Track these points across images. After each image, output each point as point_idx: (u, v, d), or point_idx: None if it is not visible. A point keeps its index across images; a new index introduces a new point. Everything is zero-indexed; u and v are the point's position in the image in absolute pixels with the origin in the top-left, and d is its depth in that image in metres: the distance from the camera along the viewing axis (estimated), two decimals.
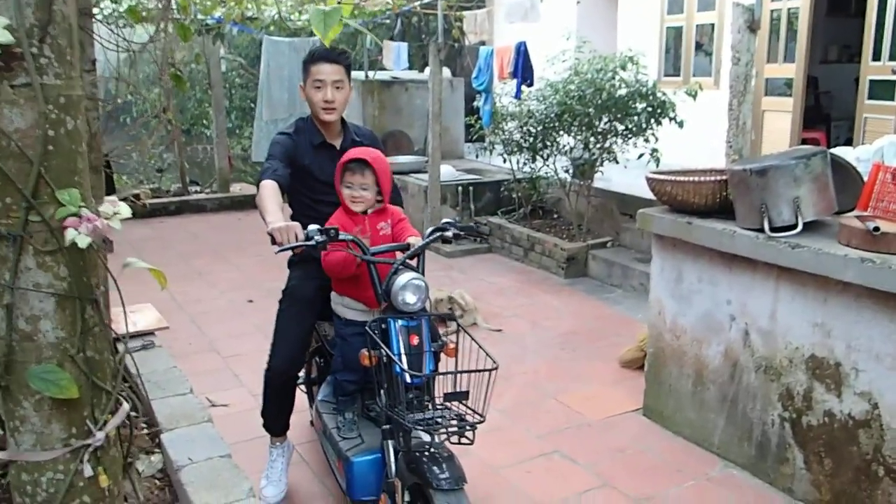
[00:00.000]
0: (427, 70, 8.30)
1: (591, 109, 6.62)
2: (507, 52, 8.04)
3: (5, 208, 1.67)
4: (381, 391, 2.71)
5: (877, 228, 2.93)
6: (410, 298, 2.70)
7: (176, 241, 8.32)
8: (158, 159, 11.81)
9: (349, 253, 2.85)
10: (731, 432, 3.64)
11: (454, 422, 2.52)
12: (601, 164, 7.07)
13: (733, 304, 3.56)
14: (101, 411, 1.89)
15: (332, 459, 3.18)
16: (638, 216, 3.98)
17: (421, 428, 2.52)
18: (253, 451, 3.62)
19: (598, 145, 6.91)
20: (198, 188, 10.57)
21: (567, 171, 7.29)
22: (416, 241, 2.89)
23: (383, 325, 2.70)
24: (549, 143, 7.22)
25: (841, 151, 3.96)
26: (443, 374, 2.60)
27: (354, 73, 9.50)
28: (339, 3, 2.83)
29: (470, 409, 2.53)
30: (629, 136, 6.78)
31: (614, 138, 6.85)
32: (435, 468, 2.49)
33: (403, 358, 2.64)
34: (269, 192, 2.98)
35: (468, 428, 2.49)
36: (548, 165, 7.41)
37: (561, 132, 7.04)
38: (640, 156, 6.78)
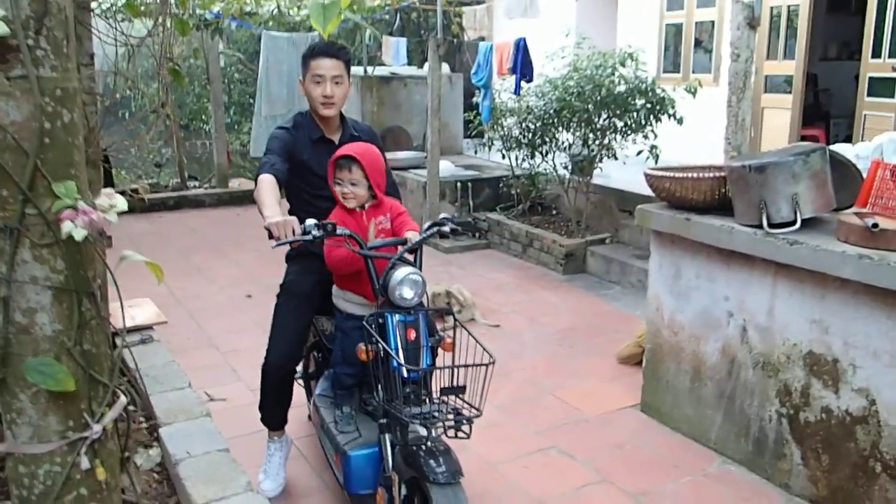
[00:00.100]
0: (426, 66, 8.30)
1: (590, 106, 6.62)
2: (507, 48, 8.05)
3: (1, 201, 1.67)
4: (379, 385, 2.71)
5: (875, 225, 2.93)
6: (408, 293, 2.70)
7: (174, 236, 8.31)
8: (157, 154, 11.81)
9: (346, 249, 2.86)
10: (729, 428, 3.65)
11: (451, 416, 2.52)
12: (600, 161, 7.07)
13: (731, 301, 3.56)
14: (99, 404, 1.89)
15: (329, 453, 3.18)
16: (636, 212, 3.98)
17: (418, 422, 2.52)
18: (251, 446, 3.62)
19: (597, 142, 6.91)
20: (196, 183, 10.57)
21: (566, 168, 7.29)
22: (413, 235, 2.88)
23: (381, 320, 2.71)
24: (547, 140, 7.22)
25: (840, 148, 3.96)
26: (440, 368, 2.61)
27: (353, 69, 9.51)
28: None
29: (467, 403, 2.53)
30: (628, 132, 6.79)
31: (613, 135, 6.85)
32: (432, 462, 2.49)
33: (400, 352, 2.64)
34: (267, 186, 2.97)
35: (465, 422, 2.50)
36: (547, 162, 7.41)
37: (560, 128, 7.04)
38: (639, 152, 6.78)
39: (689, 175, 3.65)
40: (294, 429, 3.70)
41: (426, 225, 2.95)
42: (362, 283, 2.96)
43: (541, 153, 7.37)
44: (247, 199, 9.70)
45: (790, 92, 7.98)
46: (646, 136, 6.73)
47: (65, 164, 1.71)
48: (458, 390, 2.53)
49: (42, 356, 1.74)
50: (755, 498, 3.37)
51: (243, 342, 5.07)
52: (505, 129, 7.64)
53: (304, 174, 3.23)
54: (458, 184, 8.26)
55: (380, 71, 10.33)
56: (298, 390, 3.54)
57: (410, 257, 2.89)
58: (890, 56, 7.00)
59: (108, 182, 7.45)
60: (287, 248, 3.04)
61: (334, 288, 3.13)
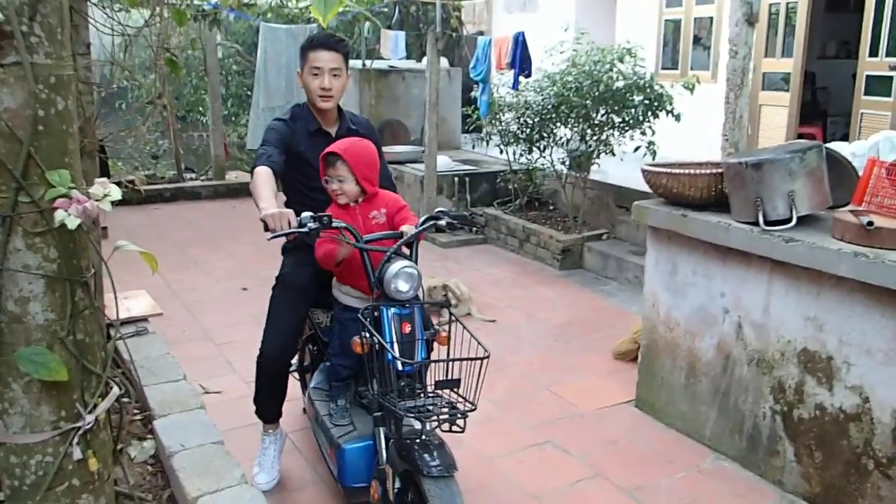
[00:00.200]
0: (425, 59, 8.28)
1: (588, 101, 6.60)
2: (506, 43, 8.04)
3: None
4: (373, 379, 2.71)
5: (871, 223, 2.92)
6: (403, 286, 2.69)
7: (171, 228, 8.30)
8: (154, 146, 11.77)
9: (335, 244, 2.86)
10: (723, 425, 3.65)
11: (445, 410, 2.52)
12: (598, 157, 7.06)
13: (727, 297, 3.56)
14: (91, 394, 1.89)
15: (323, 446, 3.18)
16: (633, 208, 3.98)
17: (412, 415, 2.52)
18: (245, 439, 3.62)
19: (595, 137, 6.90)
20: (193, 175, 10.54)
21: (563, 163, 7.28)
22: (409, 229, 2.88)
23: (376, 313, 2.70)
24: (545, 135, 7.20)
25: (836, 146, 3.95)
26: (434, 361, 2.60)
27: (352, 62, 9.48)
28: None
29: (461, 397, 2.53)
30: (626, 128, 6.77)
31: (611, 130, 6.84)
32: (426, 455, 2.49)
33: (395, 345, 2.63)
34: (263, 178, 2.96)
35: (459, 416, 2.49)
36: (544, 157, 7.39)
37: (558, 124, 7.02)
38: (637, 148, 6.77)
39: (687, 171, 3.65)
40: (289, 422, 3.69)
41: (422, 219, 2.95)
42: (357, 277, 2.95)
43: (538, 148, 7.36)
44: (243, 191, 9.67)
45: (788, 90, 7.98)
46: (643, 133, 6.72)
47: (59, 152, 1.70)
48: (453, 384, 2.53)
49: (34, 345, 1.74)
50: (749, 494, 3.37)
51: (239, 335, 5.06)
52: (503, 123, 7.62)
53: (300, 166, 3.22)
54: (456, 178, 8.25)
55: (378, 64, 10.30)
56: (293, 384, 3.53)
57: (407, 251, 2.88)
58: (887, 55, 7.00)
59: (105, 173, 7.43)
60: (283, 240, 3.03)
61: (334, 280, 3.14)
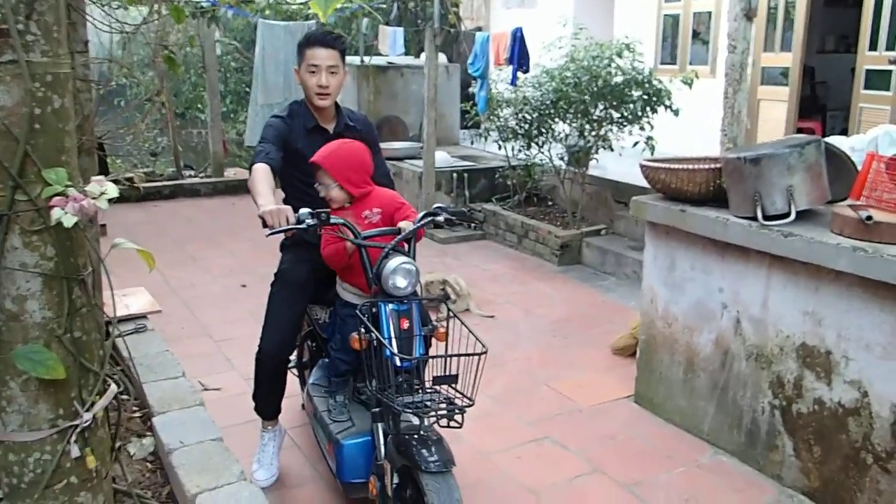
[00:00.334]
0: (423, 56, 8.27)
1: (586, 97, 6.60)
2: (504, 39, 8.02)
3: None
4: (372, 374, 2.72)
5: (869, 217, 2.92)
6: (401, 282, 2.70)
7: (170, 225, 8.29)
8: (153, 143, 11.77)
9: (341, 240, 2.86)
10: (722, 419, 3.65)
11: (443, 405, 2.52)
12: (596, 152, 7.06)
13: (725, 293, 3.56)
14: (89, 392, 1.89)
15: (322, 442, 3.19)
16: (632, 204, 3.97)
17: (410, 411, 2.52)
18: (244, 435, 3.62)
19: (594, 133, 6.89)
20: (192, 172, 10.53)
21: (562, 159, 7.28)
22: (407, 225, 2.88)
23: (374, 309, 2.71)
24: (544, 131, 7.20)
25: (835, 141, 3.95)
26: (432, 357, 2.61)
27: (350, 58, 9.48)
28: None
29: (459, 392, 2.53)
30: (625, 123, 6.77)
31: (610, 126, 6.84)
32: (424, 451, 2.50)
33: (393, 342, 2.64)
34: (262, 175, 2.97)
35: (457, 411, 2.50)
36: (543, 153, 7.39)
37: (556, 119, 7.02)
38: (636, 144, 6.77)
39: (685, 167, 3.64)
40: (287, 418, 3.70)
41: (420, 214, 2.95)
42: (355, 275, 2.96)
43: (537, 144, 7.36)
44: (242, 188, 9.66)
45: (787, 84, 7.96)
46: (642, 128, 6.72)
47: (55, 151, 1.70)
48: (451, 380, 2.53)
49: (32, 343, 1.74)
50: (748, 489, 3.38)
51: (238, 331, 5.06)
52: (501, 119, 7.62)
53: (298, 163, 3.22)
54: (454, 174, 8.25)
55: (377, 60, 10.29)
56: (292, 380, 3.54)
57: (405, 247, 2.89)
58: (886, 49, 6.99)
59: (103, 170, 7.43)
60: (281, 236, 3.04)
61: (338, 276, 3.15)
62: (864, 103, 7.27)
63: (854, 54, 7.53)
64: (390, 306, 2.70)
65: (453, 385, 2.55)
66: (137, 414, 3.64)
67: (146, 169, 10.49)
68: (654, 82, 6.61)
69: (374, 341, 2.60)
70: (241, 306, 5.58)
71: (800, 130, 7.90)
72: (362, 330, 2.63)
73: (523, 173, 7.93)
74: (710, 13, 8.95)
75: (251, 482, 3.00)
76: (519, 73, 7.85)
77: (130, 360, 3.62)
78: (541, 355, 4.85)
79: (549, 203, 8.12)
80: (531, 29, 8.33)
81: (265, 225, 2.67)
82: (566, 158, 7.22)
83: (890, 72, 6.93)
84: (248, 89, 11.74)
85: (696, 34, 9.28)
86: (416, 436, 2.57)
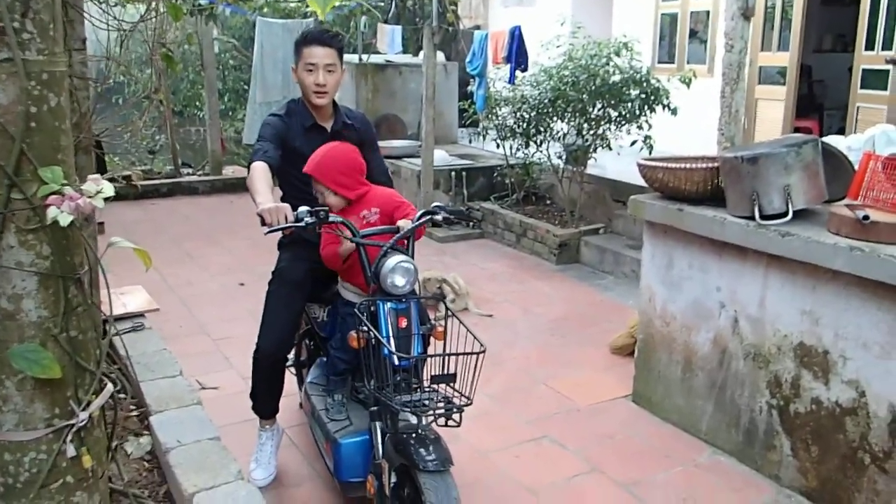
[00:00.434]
0: (421, 54, 8.26)
1: (584, 95, 6.60)
2: (502, 37, 8.02)
3: None
4: (370, 373, 2.72)
5: (866, 217, 2.92)
6: (399, 281, 2.70)
7: (168, 223, 8.28)
8: (151, 141, 11.75)
9: (335, 245, 2.89)
10: (719, 419, 3.65)
11: (441, 404, 2.52)
12: (594, 151, 7.06)
13: (723, 292, 3.56)
14: (85, 392, 1.88)
15: (320, 441, 3.18)
16: (629, 203, 3.97)
17: (408, 410, 2.52)
18: (242, 434, 3.61)
19: (592, 132, 6.89)
20: (190, 170, 10.52)
21: (560, 158, 7.28)
22: (405, 223, 2.88)
23: (372, 308, 2.71)
24: (542, 129, 7.20)
25: (832, 140, 3.95)
26: (430, 356, 2.60)
27: (348, 56, 9.47)
28: None
29: (457, 391, 2.53)
30: (622, 122, 6.77)
31: (608, 125, 6.84)
32: (421, 450, 2.50)
33: (392, 340, 2.64)
34: (260, 173, 2.97)
35: (455, 410, 2.50)
36: (541, 151, 7.39)
37: (554, 118, 7.02)
38: (634, 142, 6.77)
39: (682, 166, 3.64)
40: (285, 418, 3.69)
41: (418, 213, 2.95)
42: (354, 275, 2.96)
43: (535, 143, 7.36)
44: (240, 186, 9.66)
45: (784, 83, 7.97)
46: (640, 127, 6.72)
47: (51, 149, 1.70)
48: (449, 379, 2.53)
49: (28, 343, 1.73)
50: (745, 488, 3.38)
51: (235, 330, 5.06)
52: (499, 118, 7.62)
53: (296, 161, 3.22)
54: (453, 173, 8.24)
55: (375, 59, 10.28)
56: (290, 379, 3.53)
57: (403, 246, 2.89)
58: (883, 48, 6.99)
59: (101, 168, 7.42)
60: (279, 235, 3.04)
61: (339, 276, 3.15)
62: (861, 102, 7.27)
63: (851, 53, 7.53)
64: (389, 305, 2.70)
65: (451, 384, 2.54)
66: (135, 413, 3.64)
67: (144, 167, 10.47)
68: (652, 81, 6.61)
69: (373, 340, 2.60)
70: (239, 305, 5.57)
71: (797, 130, 7.90)
72: (362, 328, 2.63)
73: (521, 172, 7.93)
74: (707, 12, 8.95)
75: (249, 481, 2.99)
76: (517, 72, 7.85)
77: (128, 359, 3.61)
78: (539, 354, 4.85)
79: (548, 202, 8.12)
80: (529, 27, 8.33)
81: (264, 223, 2.67)
82: (564, 157, 7.22)
83: (887, 71, 6.94)
84: (246, 87, 11.73)
85: (693, 33, 9.28)
86: (414, 435, 2.57)
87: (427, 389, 2.61)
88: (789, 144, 3.24)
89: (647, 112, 6.68)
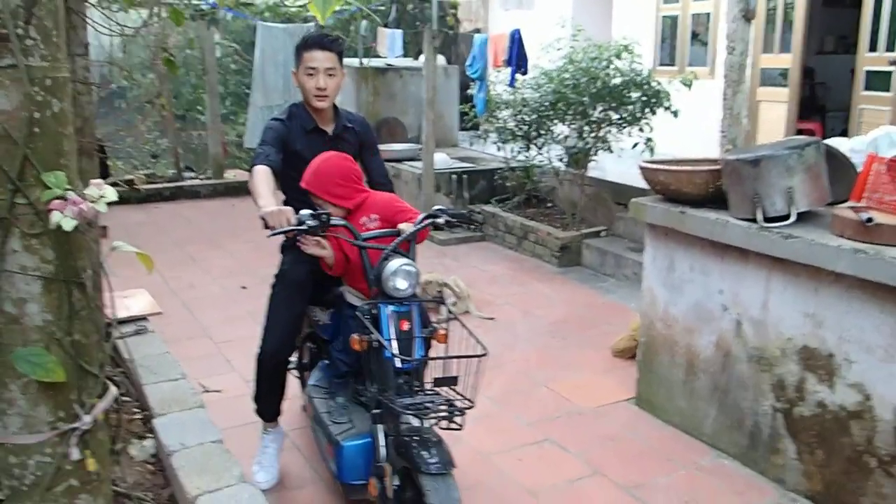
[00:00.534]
0: (421, 57, 8.27)
1: (585, 98, 6.60)
2: (502, 40, 8.03)
3: None
4: (372, 376, 2.72)
5: (870, 219, 2.92)
6: (401, 284, 2.70)
7: (170, 226, 8.30)
8: (153, 145, 11.76)
9: (339, 250, 2.91)
10: (723, 422, 3.65)
11: (443, 407, 2.52)
12: (595, 153, 7.05)
13: (725, 294, 3.55)
14: (89, 395, 1.89)
15: (322, 444, 3.18)
16: (631, 205, 3.97)
17: (410, 412, 2.53)
18: (245, 437, 3.62)
19: (593, 134, 6.89)
20: (192, 174, 10.53)
21: (561, 160, 7.27)
22: (407, 227, 2.88)
23: (374, 311, 2.71)
24: (543, 132, 7.20)
25: (835, 142, 3.95)
26: (432, 359, 2.61)
27: (349, 60, 9.47)
28: None
29: (459, 394, 2.54)
30: (624, 125, 6.77)
31: (609, 127, 6.84)
32: (424, 452, 2.50)
33: (394, 343, 2.64)
34: (262, 177, 2.99)
35: (457, 413, 2.50)
36: (542, 154, 7.39)
37: (555, 121, 7.02)
38: (635, 145, 6.77)
39: (684, 168, 3.65)
40: (288, 420, 3.69)
41: (420, 217, 2.95)
42: (359, 280, 2.96)
43: (536, 145, 7.36)
44: (242, 189, 9.66)
45: (786, 85, 7.96)
46: (641, 129, 6.72)
47: (55, 154, 1.71)
48: (451, 381, 2.54)
49: (32, 346, 1.74)
50: (749, 492, 3.37)
51: (238, 333, 5.06)
52: (500, 121, 7.62)
53: (297, 165, 3.22)
54: (454, 176, 8.25)
55: (375, 62, 10.29)
56: (292, 382, 3.54)
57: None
58: (886, 50, 6.99)
59: (104, 172, 7.43)
60: (282, 238, 3.04)
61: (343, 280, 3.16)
62: (863, 104, 7.27)
63: (853, 55, 7.53)
64: (390, 308, 2.70)
65: (453, 387, 2.55)
66: (138, 416, 3.64)
67: (147, 170, 10.49)
68: (653, 83, 6.61)
69: (375, 343, 2.60)
70: (242, 307, 5.58)
71: (799, 132, 7.90)
72: (364, 331, 2.63)
73: (522, 175, 7.93)
74: (708, 14, 8.95)
75: (251, 484, 3.00)
76: (517, 75, 7.85)
77: (131, 362, 3.62)
78: (540, 356, 4.84)
79: (549, 204, 8.12)
80: (529, 30, 8.34)
81: (266, 226, 2.68)
82: (565, 160, 7.22)
83: (890, 73, 6.94)
84: (247, 91, 11.73)
85: (694, 35, 9.27)
86: (416, 437, 2.57)
87: (429, 392, 2.61)
88: (792, 146, 3.23)
89: (649, 114, 6.68)
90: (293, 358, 3.59)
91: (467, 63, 8.35)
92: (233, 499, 2.77)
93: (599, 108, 6.73)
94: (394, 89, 10.13)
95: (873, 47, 7.10)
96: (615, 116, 6.74)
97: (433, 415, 2.52)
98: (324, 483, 3.37)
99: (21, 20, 1.62)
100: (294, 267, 3.32)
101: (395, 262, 2.70)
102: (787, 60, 7.93)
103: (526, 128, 7.27)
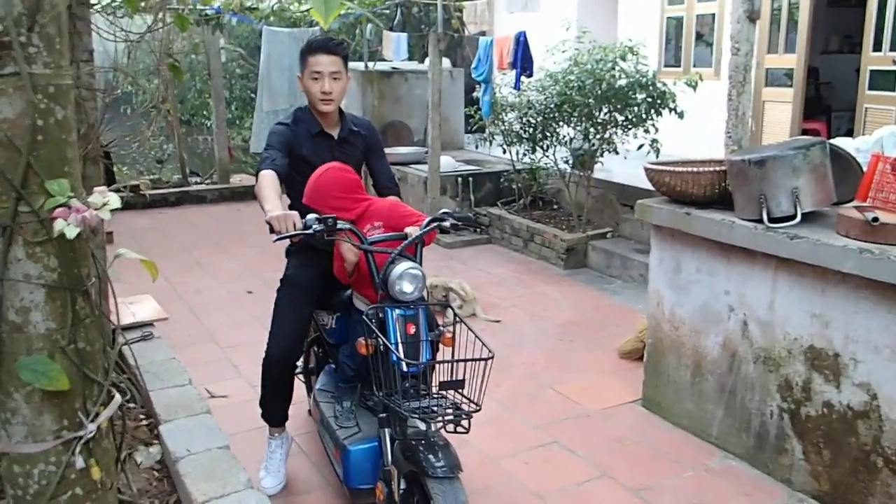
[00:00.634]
0: (427, 60, 8.27)
1: (590, 100, 6.59)
2: (507, 43, 8.00)
3: None
4: (378, 380, 2.72)
5: (876, 219, 2.91)
6: (407, 287, 2.70)
7: (176, 231, 8.31)
8: (159, 150, 11.81)
9: (341, 260, 2.91)
10: (730, 423, 3.64)
11: (450, 410, 2.52)
12: (601, 155, 7.05)
13: (732, 295, 3.54)
14: (93, 403, 1.89)
15: (329, 448, 3.19)
16: (637, 207, 3.97)
17: (417, 416, 2.52)
18: (251, 443, 3.62)
19: (598, 136, 6.89)
20: (198, 179, 10.56)
21: (567, 162, 7.27)
22: (413, 230, 2.88)
23: (381, 314, 2.71)
24: (548, 134, 7.19)
25: (840, 142, 3.94)
26: (438, 362, 2.60)
27: (354, 64, 9.48)
28: None
29: (466, 398, 2.53)
30: (629, 126, 6.76)
31: (614, 129, 6.83)
32: (430, 456, 2.50)
33: (400, 346, 2.64)
34: (268, 181, 2.99)
35: (464, 416, 2.50)
36: (548, 156, 7.39)
37: (561, 123, 7.02)
38: (640, 146, 6.76)
39: (690, 169, 3.63)
40: (294, 425, 3.69)
41: (426, 220, 2.95)
42: (367, 287, 2.96)
43: (542, 148, 7.35)
44: (248, 194, 9.70)
45: (791, 85, 7.94)
46: (647, 130, 6.71)
47: (58, 162, 1.71)
48: (458, 385, 2.54)
49: (36, 355, 1.74)
50: (756, 493, 3.36)
51: (244, 337, 5.07)
52: (506, 123, 7.61)
53: (303, 169, 3.23)
54: (459, 179, 8.25)
55: (381, 66, 10.30)
56: (299, 387, 3.54)
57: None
58: (891, 49, 6.96)
59: (110, 178, 7.45)
60: (287, 242, 3.05)
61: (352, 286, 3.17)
62: (869, 104, 7.24)
63: (858, 55, 7.50)
64: (397, 311, 2.70)
65: (460, 390, 2.54)
66: (144, 422, 3.64)
67: (152, 176, 10.52)
68: (658, 85, 6.59)
69: (381, 346, 2.60)
70: (248, 312, 5.58)
71: (805, 132, 7.88)
72: (378, 334, 2.63)
73: (528, 177, 7.93)
74: (713, 15, 8.93)
75: (258, 489, 3.00)
76: (523, 77, 7.84)
77: (137, 368, 3.62)
78: (547, 359, 4.83)
79: (555, 206, 8.11)
80: (534, 33, 8.32)
81: (272, 230, 2.69)
82: (571, 162, 7.21)
83: (894, 72, 6.91)
84: (253, 96, 11.77)
85: (699, 36, 9.25)
86: (422, 441, 2.57)
87: (436, 396, 2.61)
88: (797, 147, 3.23)
89: (654, 116, 6.67)
90: (300, 363, 3.59)
91: (472, 66, 8.33)
92: None
93: (605, 110, 6.72)
94: (399, 93, 10.14)
95: (878, 47, 7.08)
96: (620, 118, 6.73)
97: (440, 418, 2.52)
98: (331, 488, 3.37)
99: (24, 27, 1.62)
100: (300, 271, 3.32)
101: (401, 266, 2.70)
102: (792, 61, 7.90)
103: (531, 130, 7.27)
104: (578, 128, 6.94)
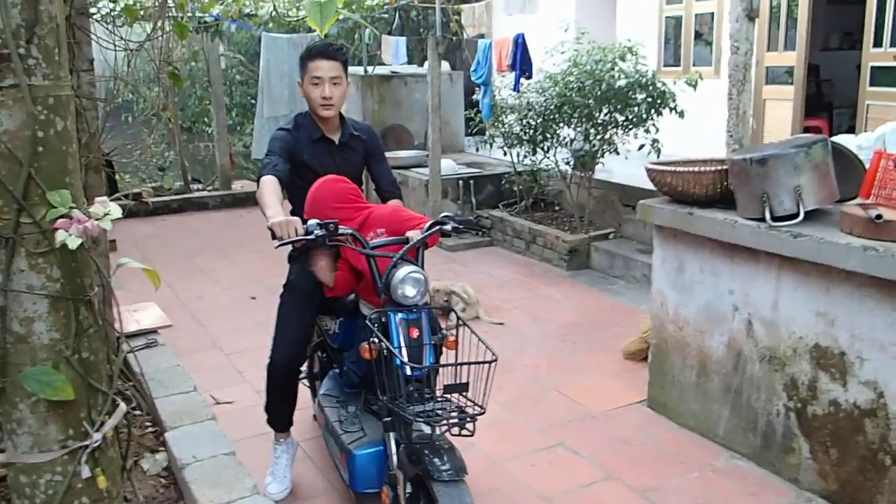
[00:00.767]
0: (426, 64, 8.28)
1: (590, 101, 6.59)
2: (506, 45, 8.02)
3: None
4: (382, 384, 2.71)
5: (879, 216, 2.90)
6: (410, 291, 2.70)
7: (178, 238, 8.32)
8: (160, 157, 11.82)
9: (345, 267, 2.92)
10: (736, 423, 3.63)
11: (454, 413, 2.52)
12: (602, 156, 7.04)
13: (735, 295, 3.54)
14: (98, 412, 1.89)
15: (334, 453, 3.19)
16: (638, 207, 3.96)
17: (421, 420, 2.52)
18: (257, 449, 3.62)
19: (599, 137, 6.88)
20: (200, 186, 10.57)
21: (568, 163, 7.27)
22: (414, 234, 2.88)
23: (383, 319, 2.71)
24: (549, 136, 7.19)
25: (842, 139, 3.93)
26: (442, 366, 2.60)
27: (353, 69, 9.49)
28: None
29: (470, 400, 2.53)
30: (630, 126, 6.76)
31: (615, 129, 6.82)
32: (436, 460, 2.50)
33: (403, 350, 2.64)
34: (269, 187, 3.00)
35: (468, 419, 2.49)
36: (548, 158, 7.39)
37: (561, 124, 7.01)
38: (641, 146, 6.75)
39: (691, 169, 3.63)
40: (300, 430, 3.69)
41: (427, 224, 2.95)
42: (370, 293, 2.96)
43: (542, 149, 7.35)
44: (250, 200, 9.71)
45: (792, 83, 7.94)
46: (647, 130, 6.70)
47: (59, 172, 1.71)
48: (462, 388, 2.53)
49: (40, 365, 1.74)
50: (764, 492, 3.35)
51: (248, 343, 5.07)
52: (506, 125, 7.61)
53: (304, 174, 3.24)
54: (461, 181, 8.25)
55: (380, 70, 10.31)
56: (303, 392, 3.54)
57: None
58: (891, 45, 6.95)
59: (112, 187, 7.46)
60: (290, 248, 3.05)
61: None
62: (870, 100, 7.23)
63: (859, 51, 7.50)
64: (399, 315, 2.70)
65: (464, 393, 2.54)
66: (150, 429, 3.65)
67: (154, 183, 10.54)
68: (658, 85, 6.59)
69: (385, 350, 2.60)
70: (251, 318, 5.58)
71: (806, 129, 7.87)
72: (374, 339, 2.63)
73: (529, 179, 7.93)
74: (712, 14, 8.93)
75: (264, 495, 3.00)
76: (522, 79, 7.84)
77: (142, 376, 3.63)
78: (551, 361, 4.83)
79: (556, 208, 8.11)
80: (533, 34, 8.33)
81: (274, 236, 2.69)
82: (572, 163, 7.21)
83: (895, 68, 6.90)
84: (253, 102, 11.78)
85: (698, 35, 9.25)
86: (427, 445, 2.57)
87: (440, 399, 2.61)
88: (799, 145, 3.22)
89: (654, 115, 6.66)
90: (304, 367, 3.59)
91: (472, 68, 8.34)
92: None
93: (605, 111, 6.72)
94: (399, 96, 10.14)
95: (878, 43, 7.07)
96: (621, 118, 6.73)
97: (444, 422, 2.52)
98: (337, 492, 3.37)
99: (22, 40, 1.62)
100: (302, 276, 3.32)
101: (403, 270, 2.70)
102: (792, 58, 7.90)
103: (532, 132, 7.27)
104: (579, 129, 6.94)
